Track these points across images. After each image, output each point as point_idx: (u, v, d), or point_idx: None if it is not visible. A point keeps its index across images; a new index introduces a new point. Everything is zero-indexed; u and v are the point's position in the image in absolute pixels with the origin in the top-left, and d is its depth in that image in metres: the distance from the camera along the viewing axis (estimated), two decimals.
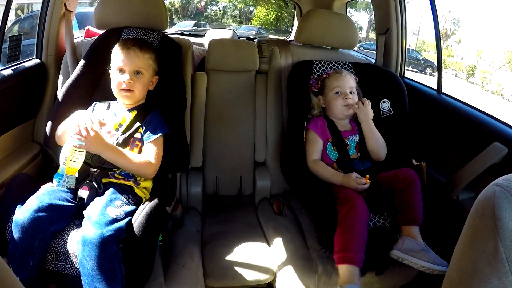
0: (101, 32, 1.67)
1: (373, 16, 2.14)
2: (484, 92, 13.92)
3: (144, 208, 1.22)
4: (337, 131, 1.61)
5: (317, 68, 1.78)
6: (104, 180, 1.31)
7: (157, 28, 1.67)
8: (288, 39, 3.92)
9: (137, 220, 1.17)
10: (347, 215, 1.29)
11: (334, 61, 1.82)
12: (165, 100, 1.50)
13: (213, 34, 3.73)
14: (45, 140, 1.52)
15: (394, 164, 1.55)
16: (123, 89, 1.38)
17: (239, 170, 2.00)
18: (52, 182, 1.24)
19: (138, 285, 1.18)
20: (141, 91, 1.41)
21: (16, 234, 1.09)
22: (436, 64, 2.00)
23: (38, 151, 1.66)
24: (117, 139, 1.34)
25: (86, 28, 2.36)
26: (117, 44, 1.44)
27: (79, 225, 1.18)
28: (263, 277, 1.45)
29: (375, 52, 2.21)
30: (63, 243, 1.16)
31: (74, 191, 1.26)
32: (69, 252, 1.14)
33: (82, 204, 1.24)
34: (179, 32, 4.92)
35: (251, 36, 4.78)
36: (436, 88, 1.86)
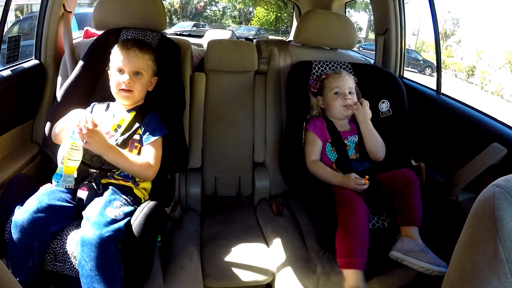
0: (100, 32, 1.67)
1: (372, 17, 2.14)
2: (484, 93, 13.93)
3: (143, 209, 1.22)
4: (336, 132, 1.61)
5: (316, 69, 1.78)
6: (103, 181, 1.31)
7: (156, 28, 1.67)
8: (287, 40, 3.92)
9: (136, 221, 1.17)
10: (348, 218, 1.29)
11: (333, 61, 1.82)
12: (164, 100, 1.50)
13: (212, 34, 3.73)
14: (44, 141, 1.51)
15: (393, 164, 1.55)
16: (122, 89, 1.37)
17: (238, 171, 2.00)
18: (51, 183, 1.24)
19: (137, 286, 1.18)
20: (140, 91, 1.41)
21: (15, 235, 1.09)
22: (435, 65, 2.00)
23: (37, 151, 1.66)
24: (116, 140, 1.34)
25: (85, 28, 2.36)
26: (117, 44, 1.44)
27: (78, 225, 1.18)
28: (262, 277, 1.45)
29: (374, 52, 2.21)
30: (62, 243, 1.16)
31: (73, 192, 1.26)
32: (68, 252, 1.14)
33: (81, 205, 1.24)
34: (178, 33, 4.92)
35: (250, 37, 4.78)
36: (435, 88, 1.87)
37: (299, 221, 1.62)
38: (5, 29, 1.49)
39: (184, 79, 1.64)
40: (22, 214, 1.11)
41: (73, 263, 1.13)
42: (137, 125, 1.38)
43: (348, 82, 1.64)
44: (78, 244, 1.06)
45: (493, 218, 0.60)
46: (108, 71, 1.44)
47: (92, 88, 1.56)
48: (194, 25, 13.18)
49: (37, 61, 1.74)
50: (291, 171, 1.62)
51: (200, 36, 3.85)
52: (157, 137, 1.36)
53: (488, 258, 0.60)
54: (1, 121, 1.50)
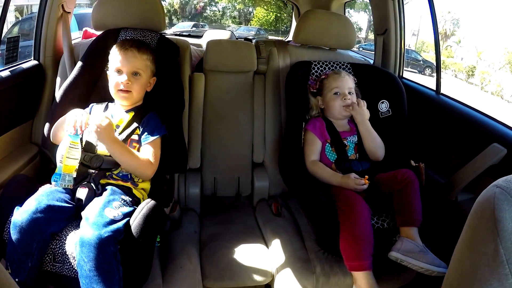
0: (98, 33, 1.67)
1: (372, 17, 2.14)
2: (484, 93, 13.92)
3: (142, 209, 1.22)
4: (335, 132, 1.61)
5: (316, 69, 1.78)
6: (102, 181, 1.31)
7: (155, 29, 1.67)
8: (286, 40, 3.92)
9: (135, 221, 1.17)
10: (353, 220, 1.29)
11: (333, 61, 1.82)
12: (163, 101, 1.50)
13: (211, 35, 3.73)
14: (43, 142, 1.51)
15: (392, 165, 1.54)
16: (121, 90, 1.37)
17: (237, 171, 2.00)
18: (50, 183, 1.24)
19: (136, 286, 1.18)
20: (139, 92, 1.41)
21: (14, 235, 1.09)
22: (435, 65, 2.00)
23: (36, 152, 1.66)
24: None
25: (84, 29, 2.36)
26: (115, 45, 1.44)
27: (77, 226, 1.18)
28: (261, 278, 1.44)
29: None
30: (61, 244, 1.15)
31: (72, 192, 1.26)
32: (67, 253, 1.14)
33: (80, 205, 1.24)
34: (178, 33, 4.91)
35: (250, 37, 4.78)
36: (434, 88, 1.86)
37: (299, 221, 1.62)
38: (6, 30, 1.49)
39: (183, 80, 1.64)
40: (21, 214, 1.11)
41: (72, 264, 1.13)
42: (135, 125, 1.38)
43: (348, 82, 1.63)
44: (77, 245, 1.06)
45: (493, 219, 0.60)
46: (107, 72, 1.44)
47: (91, 88, 1.56)
48: (193, 26, 13.18)
49: (36, 62, 1.74)
50: (291, 171, 1.62)
51: (200, 37, 3.85)
52: (155, 137, 1.36)
53: (488, 259, 0.60)
54: (0, 122, 1.50)
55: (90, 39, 1.75)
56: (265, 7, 17.44)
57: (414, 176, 1.38)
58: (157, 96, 1.50)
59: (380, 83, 1.76)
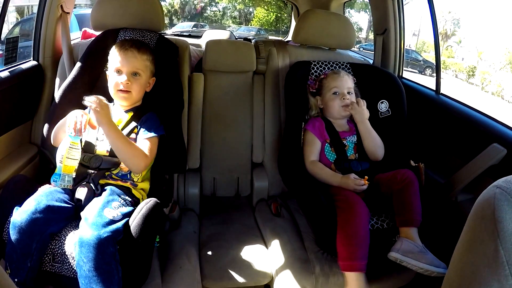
0: (97, 33, 1.67)
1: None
2: (484, 93, 13.92)
3: (141, 210, 1.22)
4: (335, 132, 1.60)
5: (315, 69, 1.78)
6: (102, 181, 1.31)
7: (154, 29, 1.67)
8: (286, 40, 3.92)
9: (134, 222, 1.17)
10: (349, 220, 1.29)
11: (332, 61, 1.82)
12: (162, 101, 1.50)
13: (210, 35, 3.73)
14: (42, 142, 1.51)
15: (392, 165, 1.54)
16: (120, 90, 1.37)
17: (237, 171, 2.00)
18: (50, 184, 1.24)
19: (135, 286, 1.18)
20: (138, 92, 1.41)
21: (13, 235, 1.09)
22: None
23: (35, 152, 1.66)
24: None
25: (83, 29, 2.36)
26: (115, 45, 1.44)
27: (77, 226, 1.18)
28: (260, 278, 1.45)
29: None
30: (60, 244, 1.15)
31: (71, 192, 1.26)
32: (66, 253, 1.14)
33: (80, 206, 1.24)
34: (178, 33, 4.91)
35: (250, 37, 4.77)
36: (434, 88, 1.86)
37: (298, 221, 1.62)
38: (7, 30, 1.49)
39: (182, 80, 1.64)
40: (20, 215, 1.11)
41: (71, 264, 1.13)
42: (134, 124, 1.38)
43: (347, 82, 1.63)
44: (76, 245, 1.06)
45: (493, 220, 0.59)
46: (106, 72, 1.44)
47: (90, 89, 1.56)
48: (194, 26, 13.18)
49: (35, 62, 1.74)
50: (290, 171, 1.62)
51: (199, 37, 3.85)
52: (152, 135, 1.35)
53: (489, 260, 0.60)
54: None
55: (89, 39, 1.75)
56: (266, 7, 17.43)
57: (413, 176, 1.38)
58: (156, 96, 1.50)
59: (379, 83, 1.76)
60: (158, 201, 1.30)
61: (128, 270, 1.11)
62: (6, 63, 1.62)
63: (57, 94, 1.50)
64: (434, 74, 1.94)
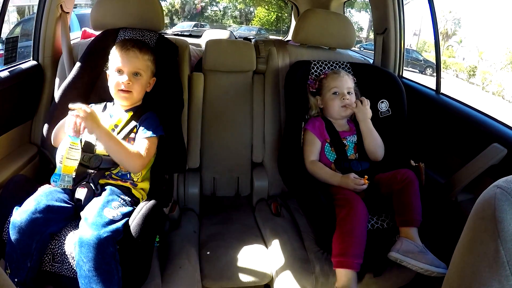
0: (97, 33, 1.67)
1: None
2: (485, 93, 13.90)
3: (141, 210, 1.22)
4: (335, 132, 1.60)
5: (315, 68, 1.78)
6: (101, 181, 1.31)
7: (154, 28, 1.67)
8: (286, 39, 3.91)
9: (134, 221, 1.17)
10: (346, 218, 1.29)
11: (332, 61, 1.82)
12: (162, 101, 1.50)
13: (210, 34, 3.73)
14: (42, 142, 1.51)
15: (392, 165, 1.54)
16: (121, 90, 1.37)
17: (237, 171, 2.00)
18: (50, 184, 1.24)
19: (135, 286, 1.18)
20: (139, 92, 1.41)
21: (13, 235, 1.09)
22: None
23: (35, 152, 1.66)
24: None
25: (83, 29, 2.36)
26: (116, 44, 1.44)
27: (76, 226, 1.18)
28: (260, 278, 1.45)
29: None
30: (60, 244, 1.15)
31: (71, 192, 1.26)
32: (66, 253, 1.14)
33: (79, 205, 1.24)
34: (179, 33, 4.91)
35: (250, 37, 4.77)
36: (434, 88, 1.86)
37: (298, 221, 1.62)
38: (8, 30, 1.49)
39: (182, 79, 1.64)
40: (20, 215, 1.11)
41: (71, 264, 1.13)
42: (133, 124, 1.38)
43: (347, 82, 1.63)
44: (76, 245, 1.06)
45: (494, 220, 0.59)
46: (107, 72, 1.44)
47: (90, 88, 1.56)
48: (194, 25, 13.18)
49: (35, 62, 1.74)
50: (290, 171, 1.61)
51: (199, 36, 3.85)
52: (151, 134, 1.35)
53: (489, 260, 0.60)
54: None
55: (89, 39, 1.74)
56: (266, 7, 17.41)
57: (414, 176, 1.38)
58: (156, 96, 1.50)
59: (379, 82, 1.76)
60: (158, 201, 1.30)
61: (128, 270, 1.11)
62: (5, 63, 1.62)
63: (57, 94, 1.50)
64: (435, 74, 1.94)
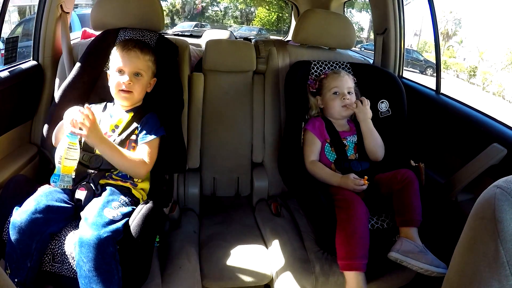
0: (97, 33, 1.67)
1: None
2: (485, 93, 13.89)
3: (141, 210, 1.22)
4: (335, 132, 1.60)
5: (315, 69, 1.78)
6: (102, 181, 1.31)
7: (154, 28, 1.67)
8: (286, 39, 3.91)
9: (134, 221, 1.17)
10: (348, 219, 1.29)
11: (332, 61, 1.82)
12: (162, 101, 1.50)
13: (210, 34, 3.73)
14: (42, 142, 1.51)
15: (392, 165, 1.54)
16: (122, 90, 1.37)
17: (237, 171, 2.00)
18: (50, 184, 1.24)
19: (135, 286, 1.18)
20: (140, 92, 1.41)
21: (13, 235, 1.09)
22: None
23: (35, 152, 1.66)
24: (113, 141, 1.33)
25: (83, 29, 2.36)
26: (117, 45, 1.44)
27: (76, 226, 1.18)
28: (260, 278, 1.44)
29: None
30: (60, 244, 1.15)
31: (71, 193, 1.26)
32: (66, 253, 1.14)
33: (79, 206, 1.24)
34: (180, 33, 4.90)
35: (251, 37, 4.77)
36: (434, 88, 1.86)
37: (298, 221, 1.62)
38: (9, 30, 1.49)
39: (182, 79, 1.64)
40: (20, 215, 1.11)
41: (71, 264, 1.13)
42: (134, 125, 1.37)
43: (347, 82, 1.63)
44: (76, 245, 1.06)
45: (494, 220, 0.59)
46: (107, 72, 1.44)
47: (90, 88, 1.56)
48: (195, 26, 13.18)
49: (35, 62, 1.74)
50: (290, 171, 1.62)
51: (199, 36, 3.85)
52: (153, 137, 1.35)
53: (489, 260, 0.60)
54: None
55: (89, 39, 1.74)
56: (267, 7, 17.41)
57: (414, 176, 1.38)
58: (156, 96, 1.50)
59: (379, 82, 1.76)
60: (158, 201, 1.30)
61: (128, 270, 1.11)
62: (5, 63, 1.62)
63: (57, 94, 1.50)
64: (435, 74, 1.94)
